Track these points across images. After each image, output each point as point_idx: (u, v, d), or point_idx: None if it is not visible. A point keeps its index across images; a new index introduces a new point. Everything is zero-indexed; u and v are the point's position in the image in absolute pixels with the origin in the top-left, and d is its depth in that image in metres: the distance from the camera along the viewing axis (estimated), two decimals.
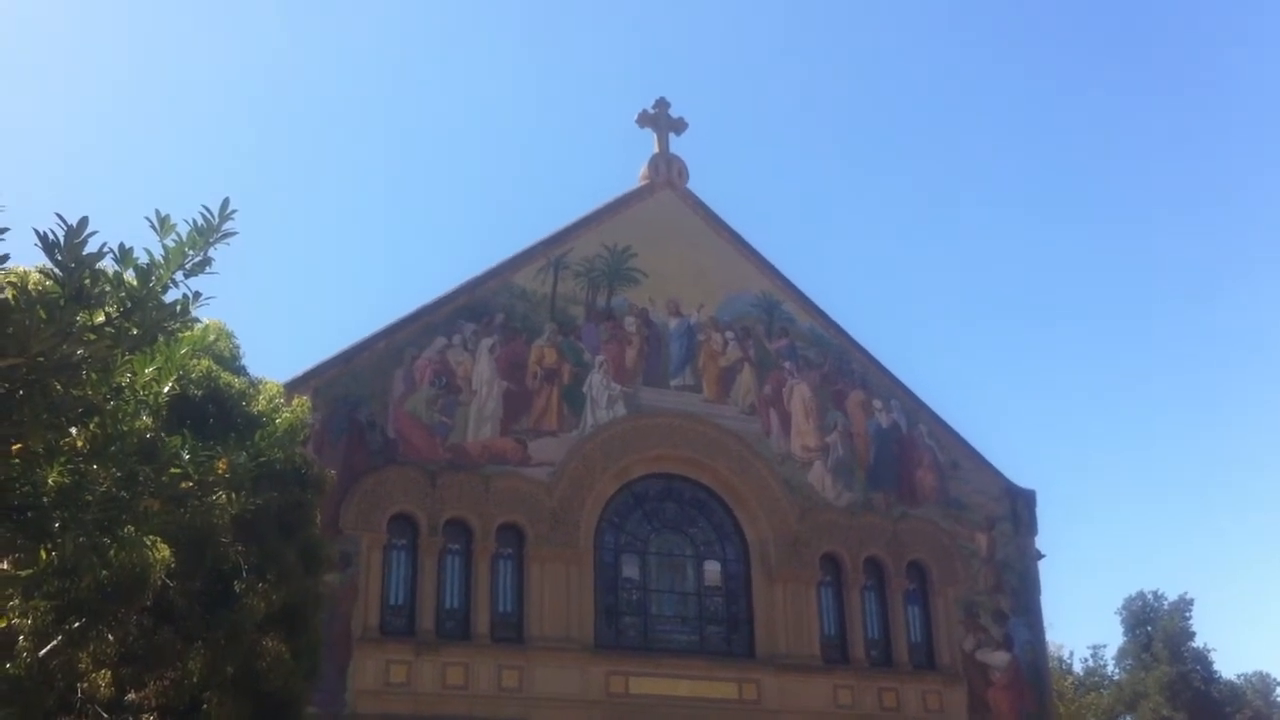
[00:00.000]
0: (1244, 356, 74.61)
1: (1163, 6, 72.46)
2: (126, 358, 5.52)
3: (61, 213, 5.08)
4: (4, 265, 5.05)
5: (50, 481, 5.53)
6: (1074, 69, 75.80)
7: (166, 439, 5.91)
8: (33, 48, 57.28)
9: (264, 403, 11.50)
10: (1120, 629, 52.42)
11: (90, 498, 5.61)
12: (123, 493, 5.79)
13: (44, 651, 8.54)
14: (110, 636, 9.11)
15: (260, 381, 12.19)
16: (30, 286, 5.33)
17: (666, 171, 26.66)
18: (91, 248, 5.11)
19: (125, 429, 5.70)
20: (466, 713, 20.85)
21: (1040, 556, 26.66)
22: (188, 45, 64.10)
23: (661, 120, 27.16)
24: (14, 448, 5.28)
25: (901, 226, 76.36)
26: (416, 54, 72.98)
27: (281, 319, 68.57)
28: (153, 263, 5.41)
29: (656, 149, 26.86)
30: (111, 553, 6.06)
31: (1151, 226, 76.36)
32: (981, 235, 76.83)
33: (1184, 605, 50.94)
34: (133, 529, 5.90)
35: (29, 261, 7.06)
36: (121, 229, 5.47)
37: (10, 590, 6.76)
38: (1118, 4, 73.22)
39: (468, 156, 74.61)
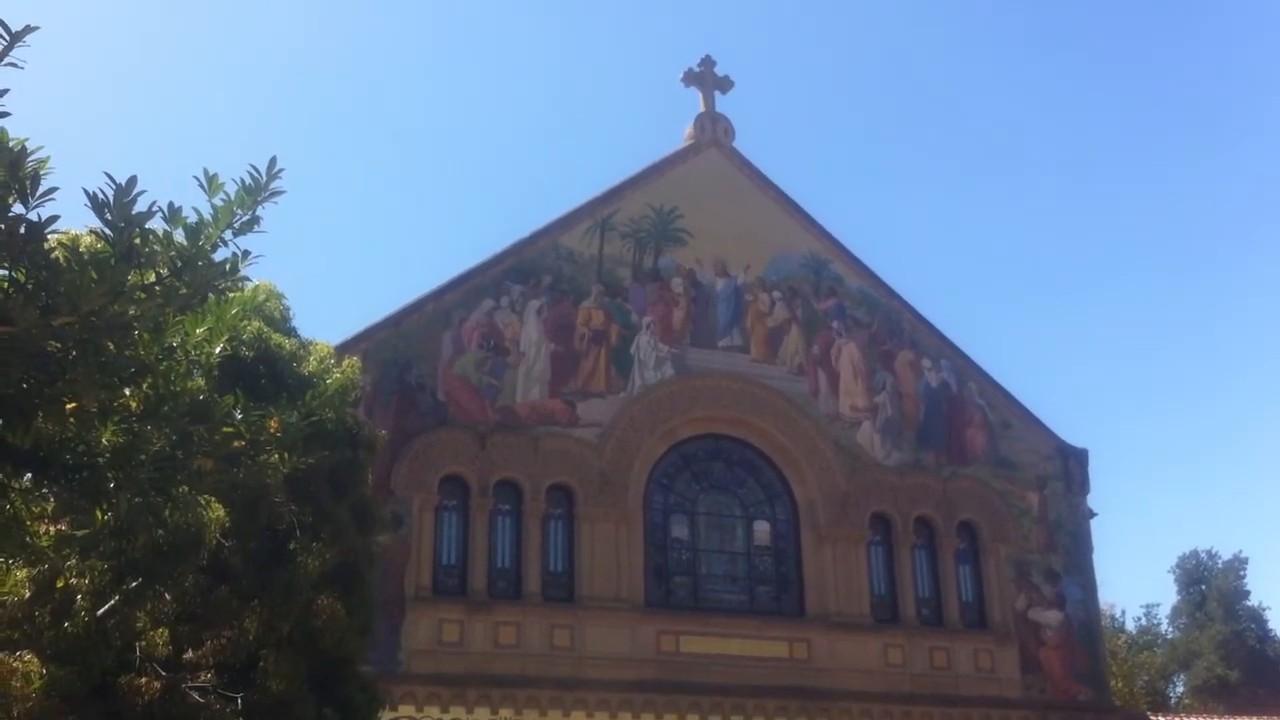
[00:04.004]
0: None
1: None
2: (178, 318, 5.55)
3: (110, 172, 5.09)
4: (54, 228, 5.07)
5: (104, 441, 5.57)
6: (1135, 25, 74.52)
7: (219, 399, 5.94)
8: (84, 6, 57.62)
9: (315, 364, 11.56)
10: (1174, 587, 52.07)
11: (144, 457, 5.66)
12: (177, 452, 5.83)
13: (101, 611, 8.66)
14: (167, 596, 9.22)
15: (311, 343, 12.25)
16: (82, 248, 5.35)
17: (712, 130, 26.48)
18: (140, 207, 5.12)
19: (178, 389, 5.73)
20: (519, 671, 21.03)
21: (1093, 515, 26.45)
22: (237, 2, 64.31)
23: (707, 79, 26.95)
24: (68, 407, 5.32)
25: (951, 184, 75.64)
26: (466, 14, 72.86)
27: (331, 281, 68.98)
28: (201, 221, 5.42)
29: (702, 108, 26.67)
30: (166, 512, 6.11)
31: (1205, 183, 75.15)
32: (1032, 192, 75.97)
33: (1238, 563, 50.47)
34: (187, 488, 5.95)
35: (79, 224, 7.12)
36: (170, 189, 5.49)
37: (67, 550, 6.84)
38: None
39: (515, 117, 74.56)
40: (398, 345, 22.27)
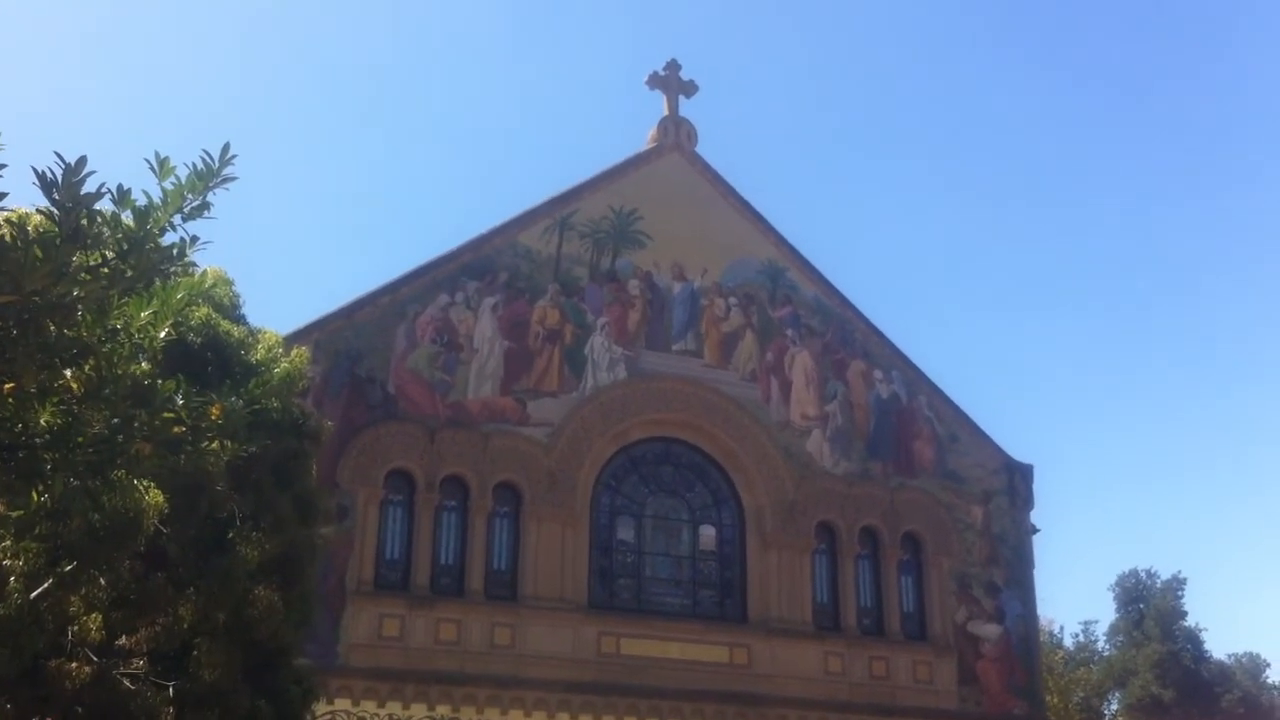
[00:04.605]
0: (1243, 341, 74.56)
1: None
2: (122, 300, 5.50)
3: (60, 152, 5.04)
4: (2, 205, 5.02)
5: (43, 422, 5.51)
6: (1096, 55, 75.33)
7: (161, 383, 5.88)
8: None
9: (262, 352, 11.47)
10: (1112, 605, 52.53)
11: (82, 439, 5.60)
12: (116, 436, 5.77)
13: (35, 594, 8.56)
14: (102, 580, 9.12)
15: (259, 331, 12.14)
16: (30, 228, 5.30)
17: (675, 134, 26.49)
18: (89, 188, 5.08)
19: (120, 372, 5.68)
20: (458, 668, 20.94)
21: (1035, 531, 26.67)
22: None
23: (672, 82, 26.96)
24: (6, 387, 5.27)
25: (907, 198, 76.14)
26: (428, 9, 72.55)
27: (285, 271, 68.49)
28: (151, 205, 5.38)
29: (666, 111, 26.68)
30: (103, 496, 6.05)
31: (1156, 210, 76.14)
32: (988, 210, 76.62)
33: (1177, 584, 51.00)
34: (124, 473, 5.89)
35: (28, 203, 7.03)
36: (121, 172, 5.43)
37: (1, 531, 6.76)
38: None
39: (477, 113, 74.33)
40: (350, 337, 22.12)
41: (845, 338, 26.35)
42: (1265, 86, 69.85)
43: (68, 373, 5.59)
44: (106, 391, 5.64)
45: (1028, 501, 26.64)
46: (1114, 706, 50.00)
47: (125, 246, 5.34)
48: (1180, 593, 50.87)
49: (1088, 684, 47.80)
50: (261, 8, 66.38)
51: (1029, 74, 75.99)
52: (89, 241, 5.22)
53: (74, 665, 9.51)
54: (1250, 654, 52.42)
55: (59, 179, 5.02)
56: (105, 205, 5.27)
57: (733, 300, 25.50)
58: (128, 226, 5.38)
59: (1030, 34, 76.05)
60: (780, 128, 75.83)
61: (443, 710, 20.63)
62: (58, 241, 5.04)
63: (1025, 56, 76.38)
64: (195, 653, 10.10)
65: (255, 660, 10.57)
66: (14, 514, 6.21)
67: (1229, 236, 74.58)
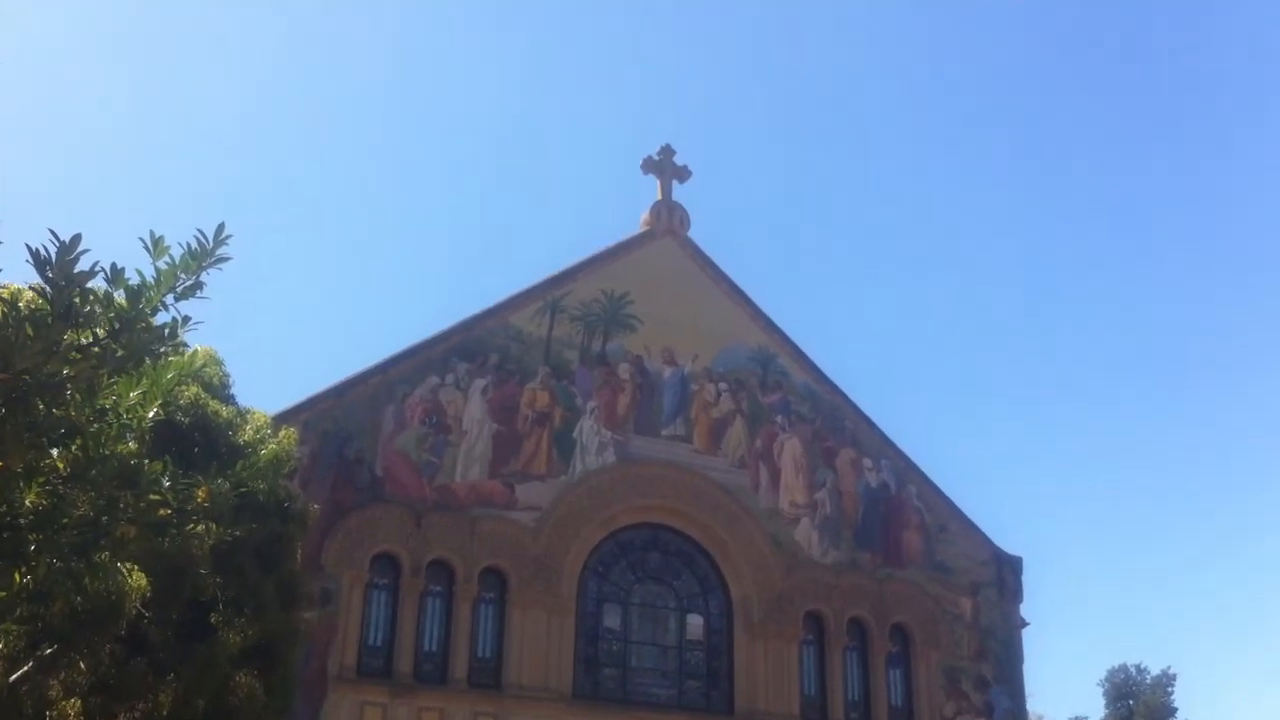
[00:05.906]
0: (1235, 441, 74.61)
1: (1158, 10, 73.02)
2: (112, 380, 5.44)
3: (55, 230, 5.02)
4: None
5: (28, 502, 5.43)
6: (1095, 145, 76.28)
7: (147, 465, 5.81)
8: (31, 55, 57.38)
9: (251, 433, 11.40)
10: (1102, 701, 52.00)
11: (67, 520, 5.52)
12: (101, 517, 5.69)
13: (14, 677, 8.39)
14: (82, 665, 8.97)
15: (248, 411, 12.08)
16: (22, 305, 5.25)
17: (668, 219, 26.64)
18: (83, 266, 5.05)
19: (107, 452, 5.61)
20: None
21: (1024, 624, 26.45)
22: (185, 61, 64.28)
23: (666, 167, 27.18)
24: None
25: (899, 288, 76.56)
26: (423, 88, 73.32)
27: (274, 350, 68.40)
28: (144, 284, 5.35)
29: (659, 195, 26.86)
30: (86, 579, 5.95)
31: (1147, 309, 76.61)
32: (979, 304, 77.04)
33: (1166, 680, 50.54)
34: (108, 555, 5.80)
35: (20, 279, 6.99)
36: (114, 251, 5.40)
37: None
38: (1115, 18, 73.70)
39: (469, 194, 74.82)
40: (339, 417, 22.01)
41: (835, 425, 26.30)
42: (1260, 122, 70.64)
43: (55, 452, 5.53)
44: (93, 472, 5.57)
45: (1017, 594, 26.43)
46: None
47: (117, 325, 5.30)
48: (1170, 688, 50.39)
49: None
50: (260, 91, 67.04)
51: (1020, 168, 76.89)
52: (80, 320, 5.19)
53: None
54: None
55: (53, 256, 4.99)
56: (98, 284, 5.24)
57: (723, 386, 25.47)
58: (120, 305, 5.35)
59: (1024, 120, 77.04)
60: (773, 214, 76.42)
61: None
62: (49, 320, 5.00)
63: (1020, 149, 77.34)
64: None
65: None
66: None
67: (1226, 338, 74.96)
